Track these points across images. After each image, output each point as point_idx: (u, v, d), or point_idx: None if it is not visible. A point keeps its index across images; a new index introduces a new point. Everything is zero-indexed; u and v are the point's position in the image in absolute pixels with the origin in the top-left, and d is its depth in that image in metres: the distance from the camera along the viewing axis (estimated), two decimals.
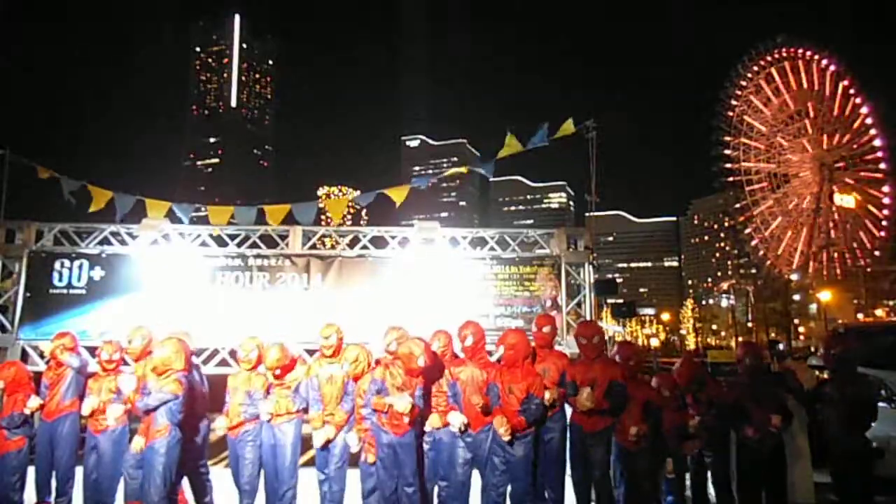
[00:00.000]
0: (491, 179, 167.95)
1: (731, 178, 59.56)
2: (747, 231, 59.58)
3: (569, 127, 8.48)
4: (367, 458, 4.89)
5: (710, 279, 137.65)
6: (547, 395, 4.84)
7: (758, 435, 5.02)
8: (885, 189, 52.45)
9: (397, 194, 8.69)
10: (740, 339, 61.71)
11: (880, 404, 6.92)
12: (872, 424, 5.16)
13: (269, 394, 5.38)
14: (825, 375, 5.74)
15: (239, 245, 8.26)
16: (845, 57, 54.02)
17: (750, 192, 59.18)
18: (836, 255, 54.93)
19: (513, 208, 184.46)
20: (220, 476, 5.79)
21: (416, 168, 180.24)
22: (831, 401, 5.04)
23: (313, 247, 8.40)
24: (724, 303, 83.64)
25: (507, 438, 4.62)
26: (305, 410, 5.38)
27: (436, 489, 5.04)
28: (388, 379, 4.76)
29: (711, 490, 5.55)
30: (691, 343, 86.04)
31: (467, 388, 4.94)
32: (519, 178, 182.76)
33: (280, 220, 7.99)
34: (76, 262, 8.00)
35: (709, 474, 5.51)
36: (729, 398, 5.34)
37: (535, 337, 5.41)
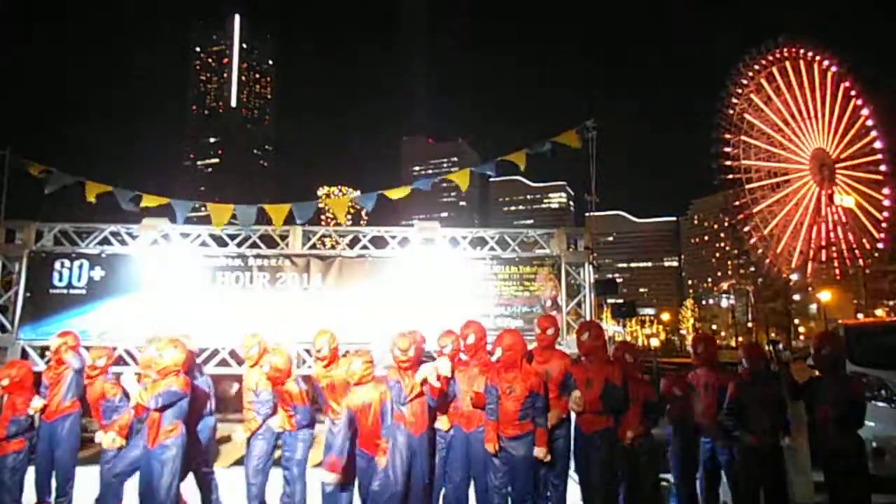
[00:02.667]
0: (491, 179, 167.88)
1: (730, 176, 59.63)
2: (746, 229, 59.62)
3: (572, 137, 8.38)
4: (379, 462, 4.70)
5: (710, 279, 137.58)
6: (552, 415, 4.88)
7: (759, 443, 5.01)
8: (885, 191, 52.45)
9: (398, 194, 8.65)
10: (740, 339, 61.74)
11: (880, 404, 6.93)
12: (872, 424, 5.15)
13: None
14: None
15: (239, 245, 8.26)
16: (847, 58, 54.02)
17: (749, 190, 59.23)
18: (835, 255, 54.94)
19: (513, 208, 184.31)
20: (225, 476, 5.79)
21: (416, 168, 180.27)
22: (822, 401, 5.03)
23: (313, 247, 8.40)
24: (724, 303, 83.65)
25: (548, 459, 4.69)
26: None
27: (442, 490, 5.04)
28: (403, 381, 4.73)
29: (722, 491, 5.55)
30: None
31: (464, 388, 4.96)
32: (519, 178, 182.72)
33: (282, 220, 7.99)
34: (76, 262, 8.00)
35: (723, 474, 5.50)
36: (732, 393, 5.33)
37: (539, 339, 5.39)
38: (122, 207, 8.11)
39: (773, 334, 56.46)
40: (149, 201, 8.20)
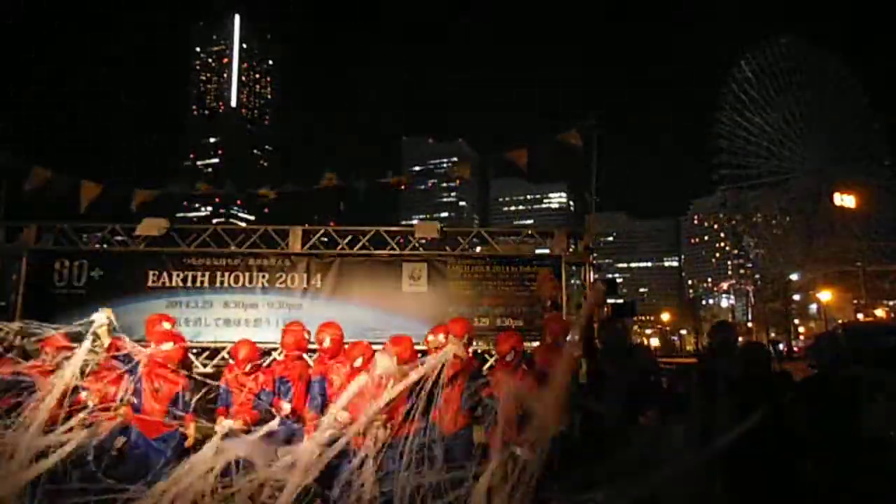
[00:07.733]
0: (491, 179, 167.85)
1: (730, 172, 59.60)
2: (746, 230, 59.62)
3: (574, 136, 8.41)
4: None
5: (710, 279, 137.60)
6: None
7: None
8: (886, 189, 52.45)
9: (395, 182, 8.69)
10: (741, 339, 61.77)
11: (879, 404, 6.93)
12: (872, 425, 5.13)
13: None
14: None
15: (239, 245, 8.26)
16: (849, 57, 54.04)
17: (750, 188, 59.23)
18: (835, 255, 54.92)
19: (513, 208, 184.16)
20: None
21: (417, 168, 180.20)
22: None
23: (313, 247, 8.39)
24: (724, 303, 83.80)
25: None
26: None
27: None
28: None
29: None
30: (690, 344, 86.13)
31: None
32: (519, 178, 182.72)
33: None
34: (76, 262, 7.99)
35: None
36: None
37: (549, 344, 5.38)
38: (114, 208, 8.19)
39: (773, 334, 56.54)
40: (140, 197, 8.26)
